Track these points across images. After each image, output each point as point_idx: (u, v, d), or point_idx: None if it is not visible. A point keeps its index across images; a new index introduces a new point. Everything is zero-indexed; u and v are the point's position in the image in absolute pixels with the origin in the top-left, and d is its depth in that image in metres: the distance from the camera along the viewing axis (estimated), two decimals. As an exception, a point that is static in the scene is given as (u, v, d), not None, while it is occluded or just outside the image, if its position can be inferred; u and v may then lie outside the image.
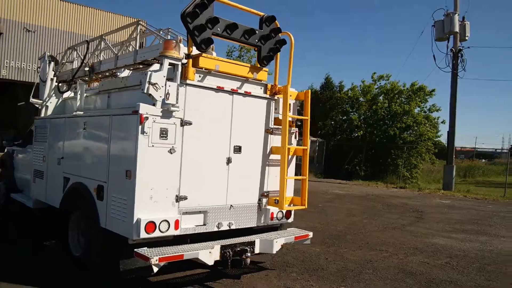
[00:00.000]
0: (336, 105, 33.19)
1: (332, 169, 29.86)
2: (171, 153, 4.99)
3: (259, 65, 5.93)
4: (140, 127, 4.70)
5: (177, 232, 5.04)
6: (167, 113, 4.92)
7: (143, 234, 4.72)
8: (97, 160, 5.55)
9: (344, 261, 7.06)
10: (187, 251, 4.84)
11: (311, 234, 6.31)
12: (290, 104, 6.24)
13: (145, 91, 4.77)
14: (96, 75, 7.29)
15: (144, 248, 4.74)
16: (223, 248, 5.20)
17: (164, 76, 4.90)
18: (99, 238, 5.27)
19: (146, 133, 4.76)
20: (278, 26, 5.95)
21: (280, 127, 6.06)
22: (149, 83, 4.77)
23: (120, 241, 4.89)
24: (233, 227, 5.70)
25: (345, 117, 32.66)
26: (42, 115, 7.85)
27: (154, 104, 4.86)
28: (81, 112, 6.45)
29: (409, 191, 21.53)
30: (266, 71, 6.05)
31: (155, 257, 4.50)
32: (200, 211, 5.36)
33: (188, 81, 5.11)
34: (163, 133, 4.91)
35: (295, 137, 6.45)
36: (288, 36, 6.33)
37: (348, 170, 30.26)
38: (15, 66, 28.04)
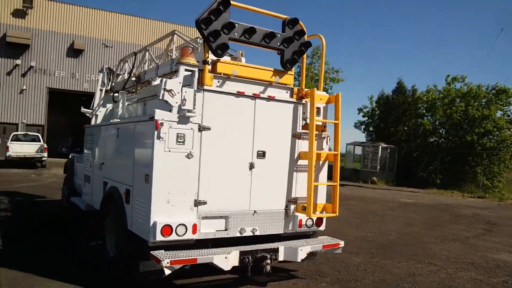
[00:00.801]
0: (409, 110, 31.60)
1: (404, 177, 28.41)
2: (189, 158, 5.07)
3: (283, 69, 5.82)
4: (156, 132, 4.84)
5: (196, 236, 5.08)
6: (183, 118, 5.01)
7: (159, 237, 4.83)
8: (126, 165, 5.80)
9: (383, 273, 6.64)
10: (202, 256, 4.85)
11: (342, 243, 6.02)
12: (320, 108, 6.07)
13: (161, 98, 4.91)
14: (141, 85, 7.67)
15: (161, 251, 4.85)
16: (242, 254, 5.15)
17: (180, 83, 5.00)
18: (126, 240, 5.49)
19: (162, 138, 4.88)
20: (303, 28, 5.82)
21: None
22: (165, 89, 4.90)
23: (141, 244, 5.05)
24: (257, 233, 5.62)
25: (419, 121, 30.86)
26: (92, 123, 8.42)
27: (170, 110, 4.98)
28: (118, 120, 6.81)
29: (487, 201, 19.78)
30: (291, 74, 5.93)
31: (167, 259, 4.59)
32: (221, 216, 5.36)
33: (205, 87, 5.17)
34: (180, 138, 5.00)
35: (327, 142, 6.22)
36: (320, 39, 6.19)
37: (423, 178, 28.60)
38: (95, 79, 30.54)
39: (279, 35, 5.62)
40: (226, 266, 4.96)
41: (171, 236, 4.91)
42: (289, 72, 5.88)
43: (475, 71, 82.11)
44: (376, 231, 10.20)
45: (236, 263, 5.11)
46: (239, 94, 5.44)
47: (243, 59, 6.49)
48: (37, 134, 22.98)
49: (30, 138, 21.87)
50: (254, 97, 5.56)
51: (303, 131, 5.95)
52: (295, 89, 5.93)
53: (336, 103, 6.13)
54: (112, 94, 8.83)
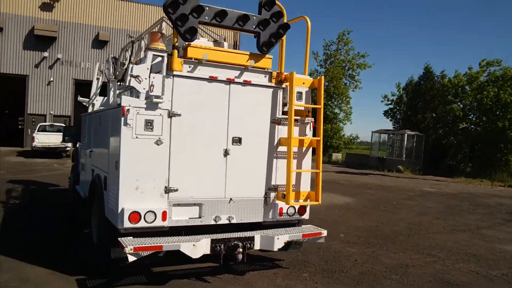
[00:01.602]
0: (437, 96, 30.44)
1: (431, 165, 27.48)
2: (158, 145, 4.99)
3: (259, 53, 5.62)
4: (122, 119, 4.79)
5: (166, 224, 5.03)
6: (151, 104, 4.93)
7: (127, 224, 4.80)
8: (104, 153, 5.80)
9: (374, 264, 6.40)
10: (168, 243, 4.80)
11: (324, 232, 5.81)
12: (302, 92, 5.84)
13: (127, 84, 4.85)
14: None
15: (129, 237, 4.83)
16: (214, 242, 5.05)
17: (148, 69, 4.92)
18: (103, 227, 5.51)
19: (130, 124, 4.82)
20: (282, 9, 5.59)
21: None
22: (131, 75, 4.84)
23: (114, 230, 5.04)
24: (233, 221, 5.51)
25: (447, 107, 29.68)
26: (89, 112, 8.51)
27: (138, 97, 4.91)
28: (102, 108, 6.84)
29: (517, 190, 18.80)
30: (270, 58, 5.73)
31: (130, 246, 4.56)
32: (194, 204, 5.28)
33: (175, 72, 5.05)
34: (148, 125, 4.93)
35: (310, 128, 5.99)
36: (305, 20, 5.94)
37: (451, 166, 27.56)
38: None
39: (254, 17, 5.42)
40: (194, 254, 4.88)
41: (139, 223, 4.87)
42: (267, 56, 5.67)
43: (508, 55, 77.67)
44: (383, 221, 9.87)
45: (208, 251, 5.02)
46: (212, 79, 5.29)
47: (225, 44, 6.35)
48: (63, 124, 23.66)
49: (55, 129, 22.51)
50: (229, 81, 5.40)
51: (283, 116, 5.75)
52: (274, 73, 5.72)
53: (319, 87, 5.89)
54: (118, 83, 8.90)
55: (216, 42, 6.35)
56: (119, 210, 4.81)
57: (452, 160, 28.25)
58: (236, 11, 5.28)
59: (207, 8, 5.07)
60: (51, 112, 27.78)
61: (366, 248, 7.32)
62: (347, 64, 43.25)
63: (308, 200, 5.87)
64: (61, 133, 21.87)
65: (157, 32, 5.16)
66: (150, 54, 4.95)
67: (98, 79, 8.75)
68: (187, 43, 5.17)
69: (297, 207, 5.87)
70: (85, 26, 29.08)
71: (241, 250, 5.12)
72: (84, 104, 8.76)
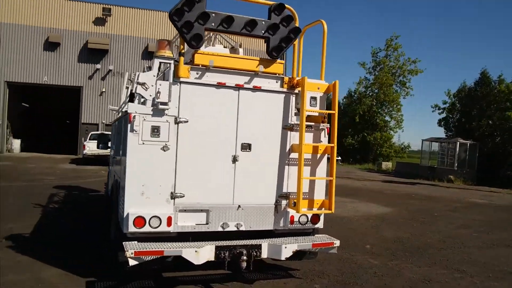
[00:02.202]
0: (494, 103, 28.68)
1: (486, 176, 25.86)
2: (164, 151, 5.05)
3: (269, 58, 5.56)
4: (129, 125, 4.90)
5: (171, 229, 5.06)
6: (158, 111, 5.00)
7: (132, 228, 4.89)
8: (119, 159, 5.97)
9: (394, 277, 6.07)
10: (169, 248, 4.81)
11: (337, 242, 5.58)
12: (316, 97, 5.69)
13: (134, 91, 4.96)
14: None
15: (133, 242, 4.90)
16: (218, 248, 5.01)
17: (154, 76, 5.01)
18: (115, 230, 5.65)
19: (136, 131, 4.92)
20: (293, 13, 5.50)
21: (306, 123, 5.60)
22: (138, 83, 4.95)
23: (122, 234, 5.15)
24: (242, 228, 5.44)
25: (505, 114, 27.86)
26: (117, 120, 8.84)
27: (144, 103, 5.01)
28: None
29: None
30: (281, 63, 5.65)
31: (131, 250, 4.62)
32: (201, 210, 5.27)
33: (182, 79, 5.11)
34: (155, 131, 5.00)
35: (325, 135, 5.81)
36: (322, 24, 5.81)
37: (509, 177, 25.74)
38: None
39: (263, 22, 5.37)
40: (197, 260, 4.85)
41: (144, 228, 4.94)
42: (278, 61, 5.60)
43: None
44: (416, 233, 9.37)
45: (212, 258, 4.99)
46: (220, 85, 5.29)
47: (241, 50, 6.35)
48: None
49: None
50: (238, 87, 5.38)
51: (296, 122, 5.63)
52: (286, 79, 5.63)
53: (333, 92, 5.72)
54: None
55: (233, 49, 6.38)
56: (125, 215, 4.91)
57: (509, 170, 26.42)
58: (243, 17, 5.26)
59: (213, 14, 5.09)
60: (103, 121, 29.17)
61: (389, 260, 6.96)
62: (398, 70, 41.97)
63: (322, 208, 5.70)
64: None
65: (164, 40, 5.24)
66: (156, 61, 5.05)
67: (127, 88, 9.07)
68: (194, 50, 5.21)
69: (309, 215, 5.71)
70: (135, 38, 30.40)
71: (245, 258, 5.03)
72: (115, 112, 9.11)
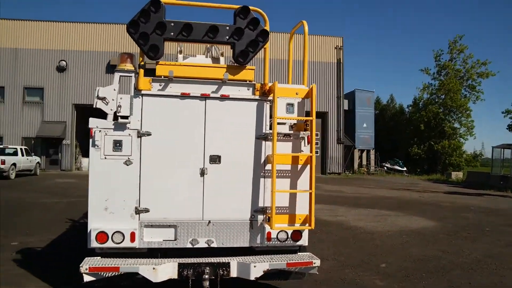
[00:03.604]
0: None
1: None
2: (127, 165, 4.96)
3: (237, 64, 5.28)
4: (91, 140, 4.89)
5: (136, 245, 4.93)
6: (120, 125, 4.94)
7: (94, 243, 4.83)
8: None
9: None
10: (125, 265, 4.66)
11: (317, 262, 5.06)
12: (294, 103, 5.32)
13: (94, 106, 4.94)
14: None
15: (96, 257, 4.83)
16: (181, 266, 4.78)
17: (115, 90, 4.96)
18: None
19: (98, 146, 4.89)
20: (262, 16, 5.23)
21: (282, 132, 5.26)
22: (98, 97, 4.93)
23: (90, 250, 5.09)
24: (213, 245, 5.16)
25: None
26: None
27: (105, 118, 4.98)
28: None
29: None
30: (252, 69, 5.36)
31: (85, 265, 4.54)
32: (169, 225, 5.09)
33: (143, 91, 5.02)
34: (117, 145, 4.94)
35: (305, 143, 5.38)
36: (303, 25, 5.47)
37: None
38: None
39: (227, 27, 5.13)
40: (155, 278, 4.64)
41: (107, 243, 4.85)
42: (248, 67, 5.31)
43: None
44: (450, 250, 8.38)
45: (175, 276, 4.76)
46: (184, 96, 5.12)
47: (222, 59, 6.17)
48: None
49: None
50: (204, 97, 5.17)
51: (271, 131, 5.27)
52: (258, 85, 5.32)
53: (311, 98, 5.30)
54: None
55: (215, 59, 6.22)
56: (88, 230, 4.87)
57: None
58: (204, 23, 5.07)
59: (172, 24, 4.96)
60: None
61: (399, 282, 6.24)
62: (465, 73, 39.06)
63: (307, 224, 5.24)
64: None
65: (125, 53, 5.19)
66: (117, 75, 5.00)
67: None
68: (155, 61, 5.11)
69: (289, 232, 5.28)
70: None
71: (207, 277, 4.73)
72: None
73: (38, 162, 27.16)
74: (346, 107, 35.91)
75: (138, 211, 4.98)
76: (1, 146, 25.18)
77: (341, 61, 34.19)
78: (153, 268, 4.65)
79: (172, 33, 4.99)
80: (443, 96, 39.30)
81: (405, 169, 39.32)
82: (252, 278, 4.83)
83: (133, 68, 5.07)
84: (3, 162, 22.11)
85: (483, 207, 16.26)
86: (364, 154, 38.43)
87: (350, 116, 37.19)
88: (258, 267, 4.83)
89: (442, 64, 39.48)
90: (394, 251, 8.26)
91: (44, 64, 31.97)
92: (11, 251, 7.42)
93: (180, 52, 6.17)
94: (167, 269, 4.72)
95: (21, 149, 24.73)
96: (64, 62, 31.80)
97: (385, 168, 38.49)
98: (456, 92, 37.59)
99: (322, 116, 33.81)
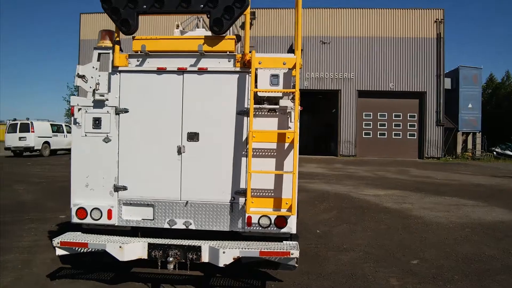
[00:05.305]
0: None
1: None
2: (106, 142, 4.98)
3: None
4: (72, 118, 4.99)
5: (113, 222, 4.97)
6: (99, 102, 4.96)
7: (75, 219, 4.98)
8: None
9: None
10: (94, 241, 4.67)
11: (295, 253, 4.49)
12: (278, 75, 4.81)
13: (74, 84, 5.01)
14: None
15: (77, 233, 4.97)
16: (151, 246, 4.66)
17: (94, 67, 4.97)
18: None
19: (79, 123, 4.98)
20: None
21: (266, 106, 4.82)
22: (78, 75, 4.98)
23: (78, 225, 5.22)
24: (192, 227, 4.96)
25: None
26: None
27: (85, 96, 5.02)
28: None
29: None
30: (232, 38, 4.93)
31: (57, 239, 4.67)
32: (147, 204, 5.00)
33: (120, 68, 4.94)
34: (96, 123, 4.98)
35: (291, 119, 4.83)
36: None
37: None
38: (315, 76, 31.92)
39: (201, -4, 4.76)
40: (122, 257, 4.58)
41: (86, 219, 4.97)
42: (228, 36, 4.90)
43: None
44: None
45: (144, 256, 4.68)
46: (161, 71, 4.93)
47: (197, 30, 5.89)
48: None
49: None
50: (181, 71, 4.92)
51: (255, 106, 4.82)
52: (238, 56, 4.88)
53: (295, 67, 4.73)
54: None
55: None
56: (71, 205, 5.02)
57: None
58: (177, -7, 4.77)
59: (144, -5, 4.76)
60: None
61: (418, 284, 5.35)
62: None
63: (284, 210, 4.74)
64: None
65: (104, 30, 5.12)
66: (95, 52, 4.99)
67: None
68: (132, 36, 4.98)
69: (273, 217, 4.83)
70: (280, 38, 31.26)
71: (171, 259, 4.52)
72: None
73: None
74: (448, 86, 32.35)
75: (116, 189, 4.99)
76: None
77: (442, 36, 30.77)
78: (120, 247, 4.61)
79: (145, 6, 4.79)
80: None
81: (498, 150, 34.32)
82: (221, 265, 4.51)
83: (111, 45, 5.01)
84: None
85: None
86: (470, 138, 34.35)
87: (453, 95, 33.45)
88: (227, 254, 4.50)
89: None
90: (440, 246, 7.16)
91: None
92: (52, 223, 8.07)
93: (177, 27, 5.98)
94: (135, 249, 4.65)
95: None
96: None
97: (494, 153, 33.92)
98: None
99: (419, 96, 31.02)
